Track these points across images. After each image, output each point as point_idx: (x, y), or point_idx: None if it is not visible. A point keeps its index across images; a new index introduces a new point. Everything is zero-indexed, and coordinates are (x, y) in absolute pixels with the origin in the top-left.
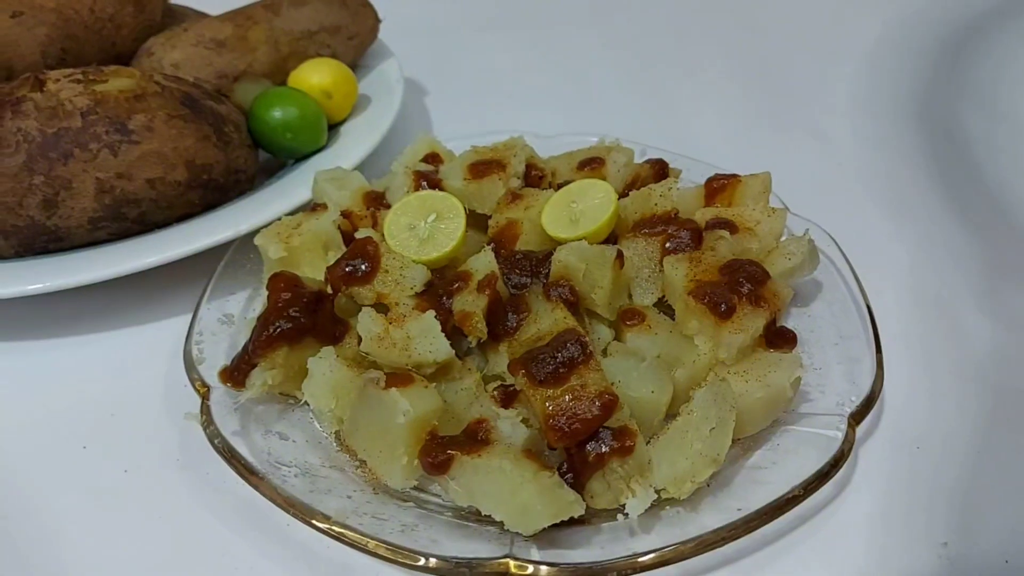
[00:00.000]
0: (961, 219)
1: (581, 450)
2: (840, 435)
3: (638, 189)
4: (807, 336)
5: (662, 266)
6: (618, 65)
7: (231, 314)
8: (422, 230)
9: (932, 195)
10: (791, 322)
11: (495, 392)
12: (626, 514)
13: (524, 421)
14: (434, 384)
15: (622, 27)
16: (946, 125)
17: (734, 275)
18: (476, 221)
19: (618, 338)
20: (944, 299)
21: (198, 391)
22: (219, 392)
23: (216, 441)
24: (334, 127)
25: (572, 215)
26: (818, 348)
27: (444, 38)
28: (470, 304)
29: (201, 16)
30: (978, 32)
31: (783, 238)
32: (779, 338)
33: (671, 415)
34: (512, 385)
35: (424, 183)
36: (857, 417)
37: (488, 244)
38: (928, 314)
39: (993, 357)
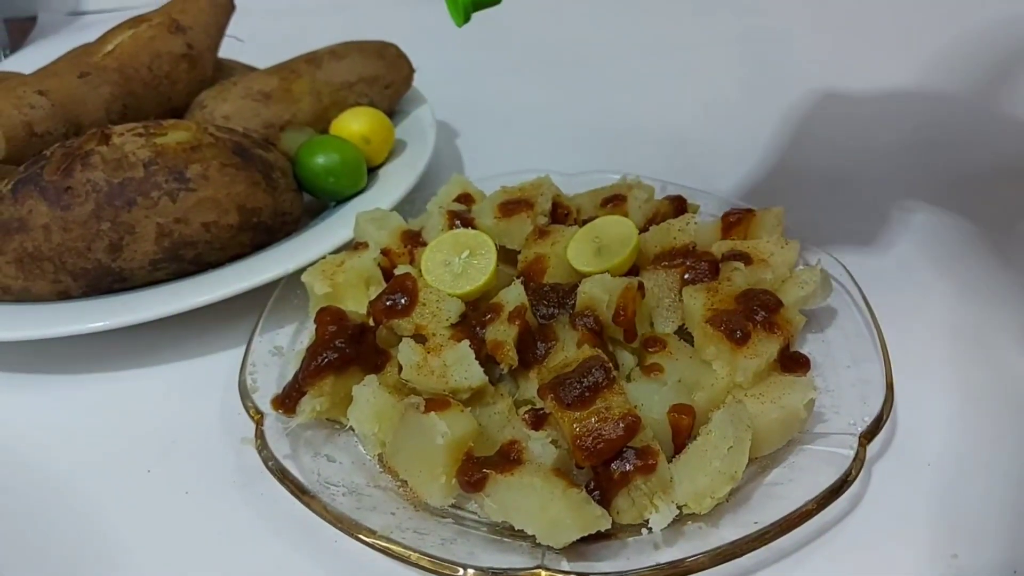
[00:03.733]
0: (974, 250)
1: (607, 468)
2: (851, 453)
3: (658, 224)
4: (822, 360)
5: (681, 296)
6: (638, 104)
7: (280, 346)
8: (456, 266)
9: (947, 229)
10: (807, 347)
11: (526, 415)
12: (650, 528)
13: (553, 442)
14: (469, 408)
15: (640, 68)
16: (964, 164)
17: (749, 304)
18: (506, 256)
19: (641, 364)
20: (955, 325)
21: (252, 418)
22: (271, 419)
23: (270, 463)
24: (373, 170)
25: (596, 249)
26: (832, 372)
27: (473, 84)
28: (502, 334)
29: (248, 69)
30: (1006, 72)
31: (798, 268)
32: (793, 362)
33: (691, 436)
34: (542, 409)
35: (457, 222)
36: (868, 435)
37: (518, 278)
38: (939, 339)
39: (1001, 379)
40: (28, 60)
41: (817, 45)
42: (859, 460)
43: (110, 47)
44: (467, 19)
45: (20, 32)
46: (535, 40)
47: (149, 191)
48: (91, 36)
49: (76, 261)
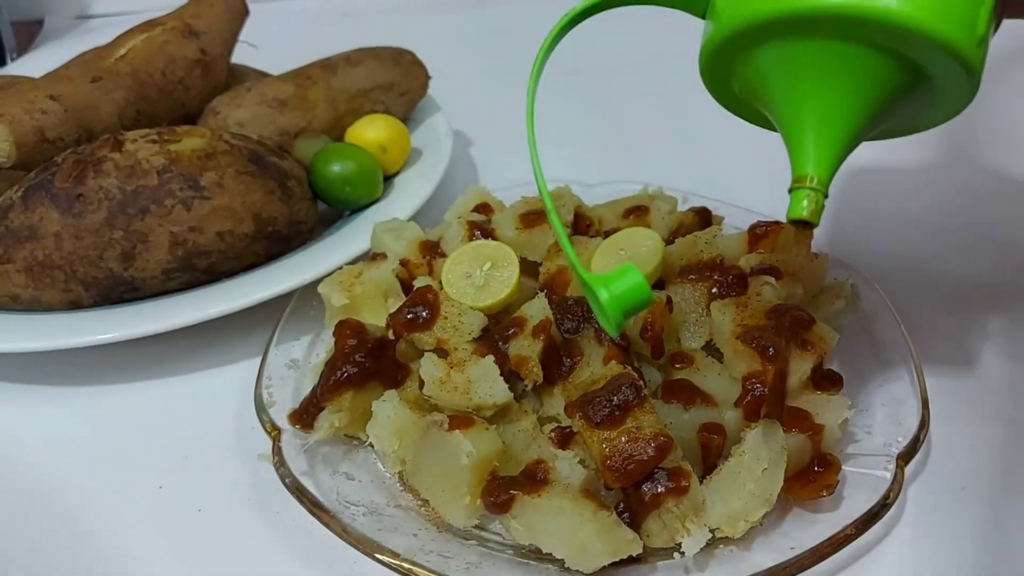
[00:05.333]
0: (1011, 263)
1: (637, 490)
2: (889, 475)
3: (683, 236)
4: (852, 379)
5: (709, 311)
6: (657, 114)
7: (296, 359)
8: (478, 278)
9: (980, 242)
10: (836, 365)
11: (552, 434)
12: (682, 552)
13: (581, 462)
14: (493, 426)
15: (660, 77)
16: (998, 174)
17: (781, 319)
18: (527, 268)
19: (667, 380)
20: (989, 342)
21: (269, 433)
22: (287, 434)
23: (288, 481)
24: (388, 179)
25: (621, 262)
26: (863, 390)
27: (489, 92)
28: (526, 349)
29: (261, 75)
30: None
31: (826, 283)
32: (826, 380)
33: (722, 456)
34: (568, 427)
35: (478, 233)
36: (905, 457)
37: (540, 291)
38: (973, 357)
39: None
40: (35, 64)
41: None
42: (897, 482)
43: (123, 51)
44: (621, 328)
45: (27, 35)
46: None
47: (163, 199)
48: (98, 40)
49: (87, 270)
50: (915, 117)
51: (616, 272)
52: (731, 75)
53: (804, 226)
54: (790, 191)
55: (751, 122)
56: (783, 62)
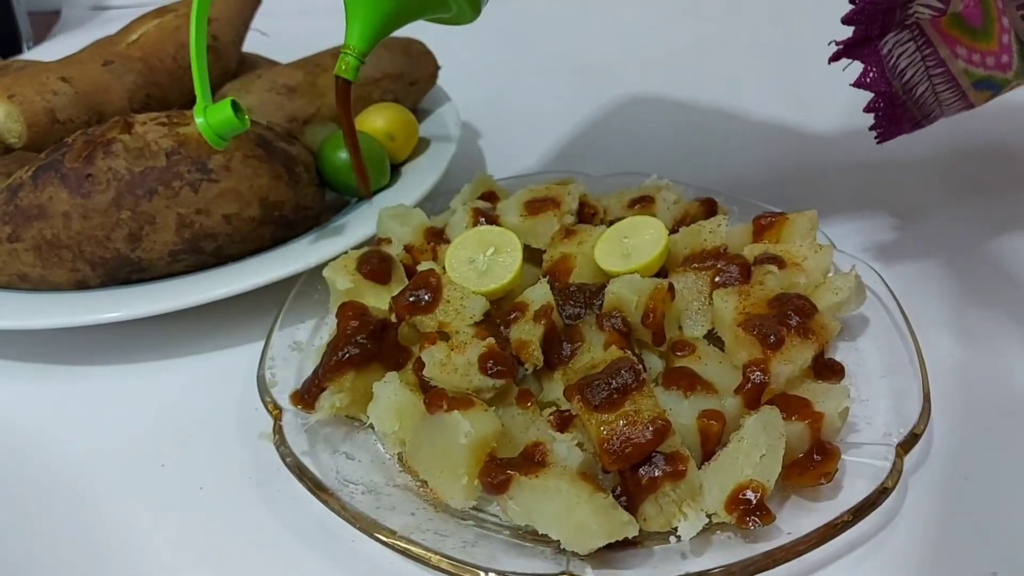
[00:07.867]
0: (1014, 258)
1: (634, 473)
2: (888, 464)
3: (688, 226)
4: (854, 369)
5: (711, 299)
6: (664, 109)
7: (300, 341)
8: (481, 263)
9: (985, 237)
10: (838, 355)
11: (551, 417)
12: (678, 537)
13: (579, 445)
14: (492, 408)
15: (668, 73)
16: (1000, 171)
17: (783, 308)
18: (531, 255)
19: (668, 368)
20: (991, 335)
21: (270, 413)
22: (289, 414)
23: (288, 460)
24: (396, 167)
25: (624, 250)
26: (865, 381)
27: (497, 84)
28: (527, 333)
29: (271, 63)
30: None
31: (830, 274)
32: (827, 370)
33: (721, 443)
34: (567, 410)
35: (482, 219)
36: (905, 447)
37: (543, 277)
38: (974, 349)
39: None
40: (51, 53)
41: None
42: (896, 471)
43: (135, 36)
44: (220, 145)
45: (44, 25)
46: (561, 42)
47: (171, 181)
48: (114, 30)
49: (95, 250)
50: (447, 17)
51: (217, 104)
52: None
53: (343, 81)
54: (339, 54)
55: None
56: None
